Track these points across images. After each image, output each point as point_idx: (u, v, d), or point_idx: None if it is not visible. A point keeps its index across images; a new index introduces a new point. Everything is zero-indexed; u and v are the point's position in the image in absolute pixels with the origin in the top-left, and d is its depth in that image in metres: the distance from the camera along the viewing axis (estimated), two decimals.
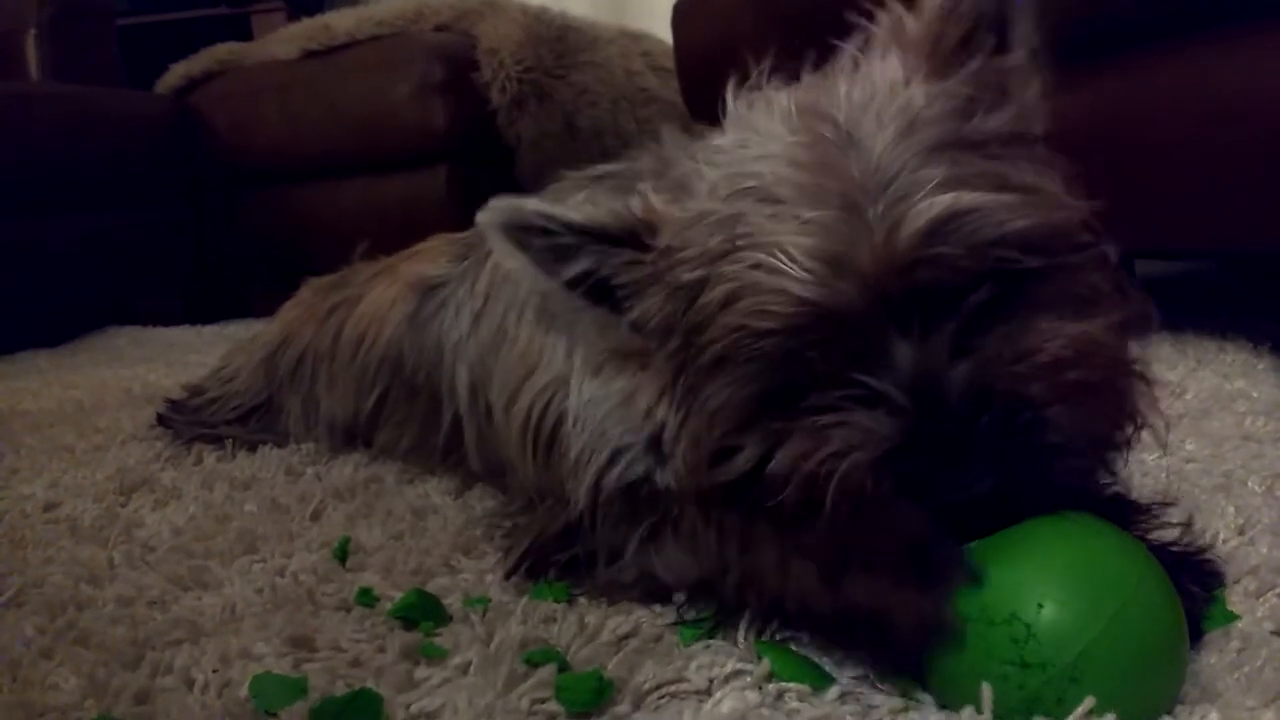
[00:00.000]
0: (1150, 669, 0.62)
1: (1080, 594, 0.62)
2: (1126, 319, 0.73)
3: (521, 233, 0.79)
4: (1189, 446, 1.17)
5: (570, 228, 0.78)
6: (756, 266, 0.69)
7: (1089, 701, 0.59)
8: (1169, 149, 1.64)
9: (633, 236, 0.78)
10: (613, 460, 0.88)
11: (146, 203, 3.28)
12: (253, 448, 1.44)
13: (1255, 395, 1.38)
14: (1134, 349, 0.75)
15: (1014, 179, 0.70)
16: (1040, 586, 0.62)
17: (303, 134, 3.14)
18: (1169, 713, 0.62)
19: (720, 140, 0.79)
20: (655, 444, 0.85)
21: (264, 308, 2.06)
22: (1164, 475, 1.07)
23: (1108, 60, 1.71)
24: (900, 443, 0.65)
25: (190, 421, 1.54)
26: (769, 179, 0.71)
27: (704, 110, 0.91)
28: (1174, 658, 0.64)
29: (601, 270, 0.79)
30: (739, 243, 0.70)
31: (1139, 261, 2.80)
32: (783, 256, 0.68)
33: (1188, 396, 1.40)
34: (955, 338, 0.67)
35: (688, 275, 0.74)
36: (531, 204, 0.79)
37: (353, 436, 1.38)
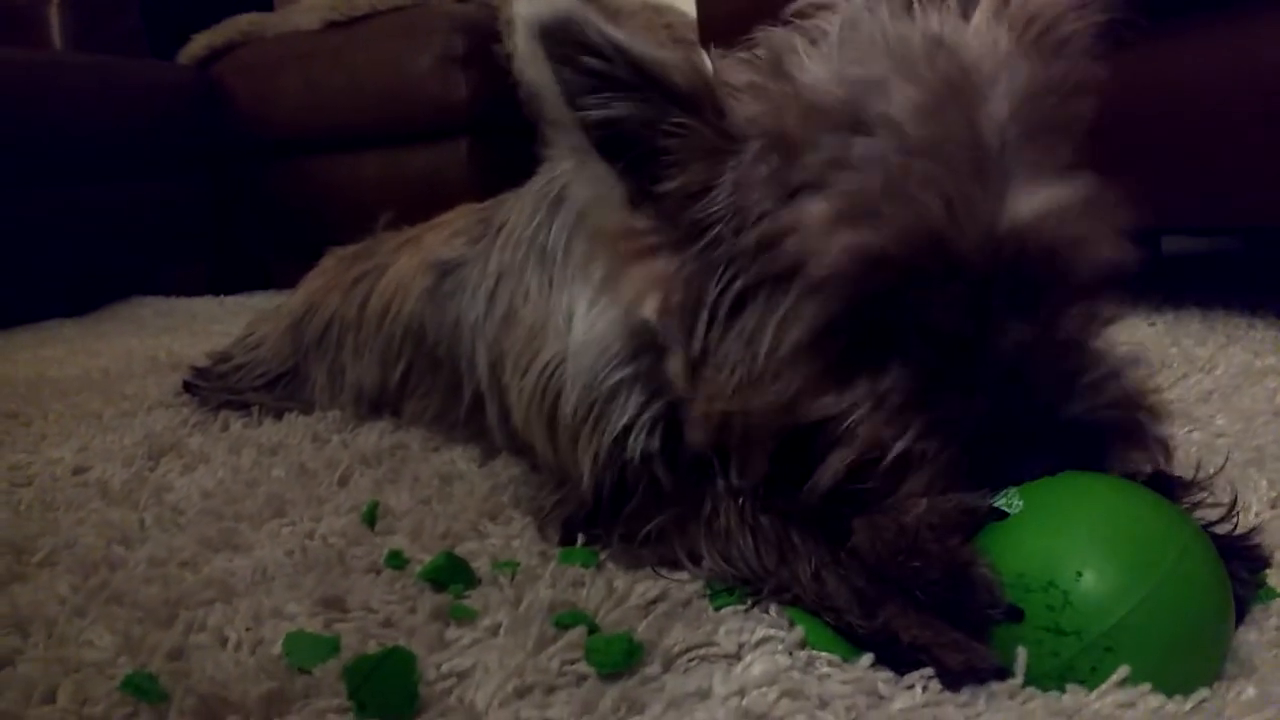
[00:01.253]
0: (1189, 642, 0.61)
1: (1121, 563, 0.61)
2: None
3: (562, 44, 0.67)
4: (1220, 421, 1.16)
5: (633, 61, 0.68)
6: (891, 191, 0.64)
7: (1123, 670, 0.58)
8: (1205, 119, 1.62)
9: (693, 97, 0.69)
10: (606, 416, 0.85)
11: (169, 173, 3.30)
12: (279, 415, 1.45)
13: None
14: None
15: (1087, 175, 0.70)
16: (1080, 554, 0.61)
17: (324, 105, 3.14)
18: (1208, 688, 0.62)
19: (833, 35, 0.71)
20: (645, 379, 0.81)
21: (285, 279, 2.07)
22: (1194, 450, 1.07)
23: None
24: (985, 418, 0.65)
25: (216, 388, 1.56)
26: (899, 100, 0.66)
27: None
28: (1216, 633, 0.63)
29: (640, 122, 0.69)
30: (872, 156, 0.65)
31: (1166, 239, 2.77)
32: (921, 185, 0.64)
33: (1218, 372, 1.39)
34: (1054, 329, 0.68)
35: (796, 172, 0.67)
36: (591, 15, 0.67)
37: (380, 406, 1.39)
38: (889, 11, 0.72)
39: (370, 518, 1.00)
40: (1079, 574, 0.60)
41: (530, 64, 0.69)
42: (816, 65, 0.70)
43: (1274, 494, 0.91)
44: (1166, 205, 1.72)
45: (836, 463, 0.69)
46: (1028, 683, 0.60)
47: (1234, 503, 0.76)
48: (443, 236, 1.32)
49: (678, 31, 3.35)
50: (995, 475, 0.66)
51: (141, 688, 0.66)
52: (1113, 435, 0.67)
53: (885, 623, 0.64)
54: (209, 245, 3.49)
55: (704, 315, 0.72)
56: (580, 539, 0.89)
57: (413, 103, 3.00)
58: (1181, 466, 1.00)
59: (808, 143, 0.67)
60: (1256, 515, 0.87)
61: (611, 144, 0.71)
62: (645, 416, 0.84)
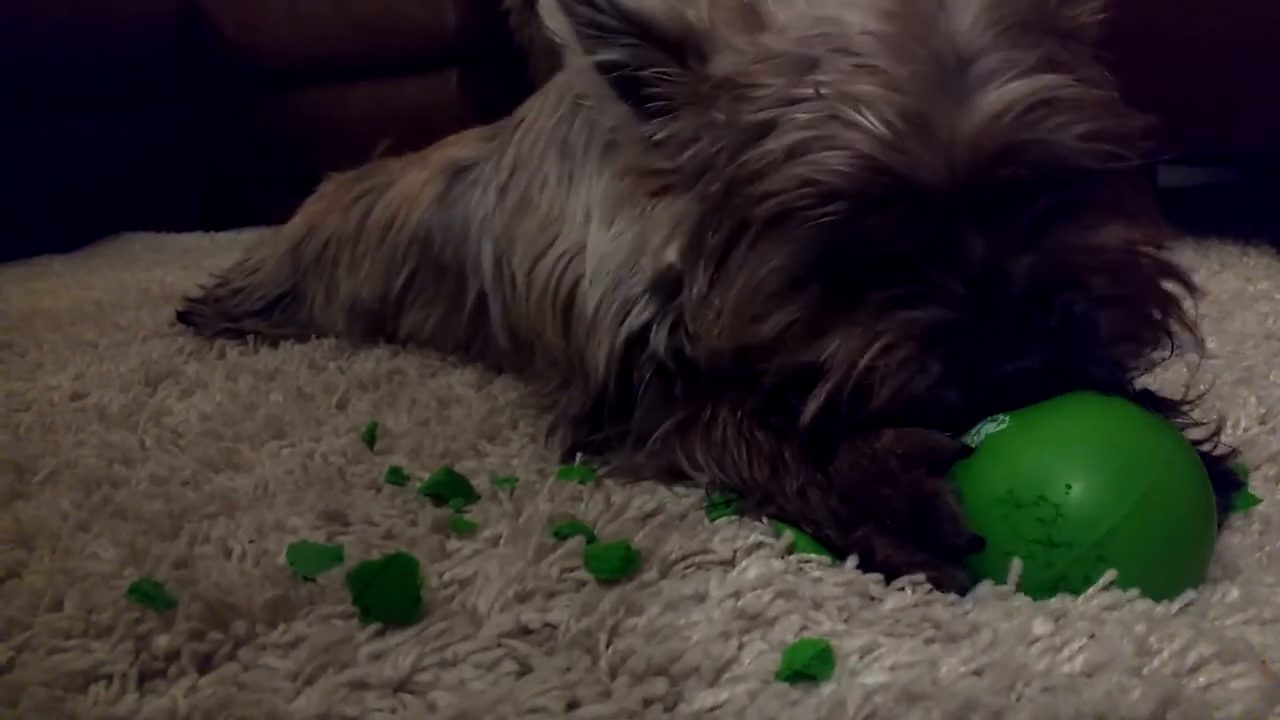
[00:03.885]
0: (1177, 549, 0.63)
1: (1109, 475, 0.62)
2: (1157, 231, 0.73)
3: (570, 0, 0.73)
4: (1211, 344, 1.17)
5: (619, 10, 0.73)
6: (834, 118, 0.65)
7: (1110, 574, 0.60)
8: (1201, 40, 1.60)
9: (679, 46, 0.73)
10: (625, 315, 0.86)
11: (155, 105, 3.24)
12: (275, 343, 1.45)
13: (1278, 296, 1.39)
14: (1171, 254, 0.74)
15: (1088, 74, 0.69)
16: (1069, 468, 0.62)
17: (311, 34, 3.08)
18: (1194, 590, 0.63)
19: None
20: (662, 288, 0.82)
21: (275, 213, 2.05)
22: (1185, 370, 1.08)
23: None
24: (953, 322, 0.65)
25: (213, 314, 1.55)
26: (853, 27, 0.67)
27: None
28: (1201, 538, 0.64)
29: (635, 68, 0.74)
30: (819, 89, 0.66)
31: (1162, 170, 2.76)
32: (865, 111, 0.64)
33: (1210, 298, 1.40)
34: (1028, 233, 0.66)
35: (750, 115, 0.69)
36: None
37: (377, 319, 1.38)
38: None
39: (370, 438, 1.01)
40: (1068, 486, 0.61)
41: (549, 15, 0.75)
42: (784, 9, 0.71)
43: (1263, 410, 0.92)
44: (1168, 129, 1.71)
45: (819, 393, 0.70)
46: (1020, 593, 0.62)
47: (1219, 425, 0.77)
48: (457, 146, 1.30)
49: None
50: (970, 377, 0.66)
51: (148, 594, 0.67)
52: (1093, 331, 0.66)
53: (860, 539, 0.67)
54: (198, 179, 3.45)
55: (701, 260, 0.75)
56: (579, 457, 0.90)
57: (401, 32, 2.95)
58: (1172, 386, 1.02)
59: (761, 84, 0.69)
60: (1245, 430, 0.89)
61: (626, 87, 0.75)
62: (667, 317, 0.85)
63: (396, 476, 0.89)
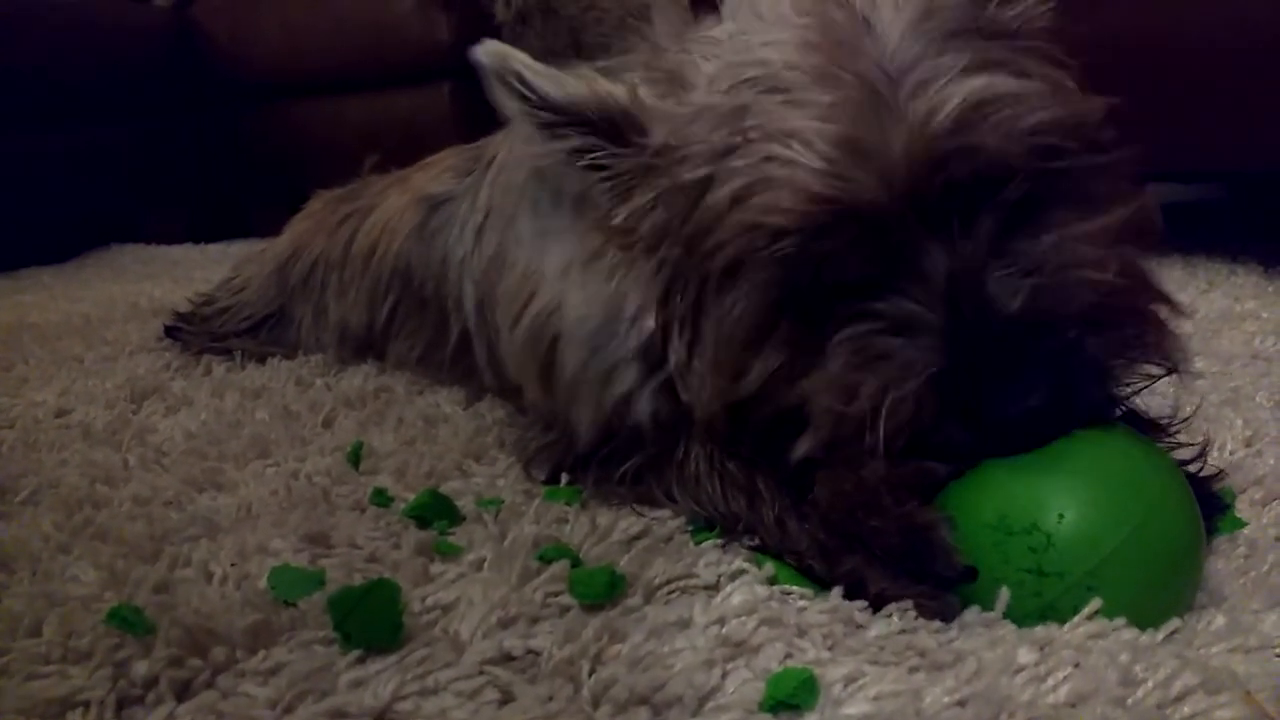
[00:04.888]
0: (1167, 581, 0.62)
1: (1102, 505, 0.61)
2: (1141, 220, 0.71)
3: (509, 86, 0.73)
4: (1198, 364, 1.17)
5: (550, 105, 0.73)
6: (769, 159, 0.64)
7: (1095, 603, 0.59)
8: (1185, 61, 1.61)
9: (614, 126, 0.72)
10: (608, 382, 0.85)
11: (147, 117, 3.24)
12: (262, 359, 1.44)
13: (1265, 316, 1.39)
14: (1156, 271, 0.73)
15: (1034, 70, 0.67)
16: (1062, 496, 0.61)
17: (304, 47, 3.08)
18: (1179, 619, 0.63)
19: (716, 30, 0.73)
20: (646, 355, 0.81)
21: (266, 225, 2.05)
22: (1172, 390, 1.07)
23: None
24: (945, 367, 0.62)
25: (200, 332, 1.55)
26: (777, 65, 0.66)
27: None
28: (1191, 569, 0.64)
29: (580, 151, 0.74)
30: (750, 135, 0.65)
31: (1151, 187, 2.77)
32: (798, 146, 0.63)
33: (1198, 316, 1.40)
34: (991, 240, 0.64)
35: (689, 174, 0.68)
36: (516, 65, 0.73)
37: (365, 346, 1.38)
38: None
39: (355, 457, 1.00)
40: (1061, 516, 0.61)
41: (504, 103, 0.74)
42: (709, 62, 0.71)
43: (1249, 433, 0.92)
44: (1152, 150, 1.72)
45: (807, 442, 0.69)
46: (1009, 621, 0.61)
47: (1205, 447, 0.76)
48: (432, 174, 1.30)
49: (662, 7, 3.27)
50: (972, 416, 0.63)
51: (127, 620, 0.66)
52: (1086, 355, 0.64)
53: (850, 571, 0.66)
54: (188, 192, 3.44)
55: (675, 326, 0.74)
56: (565, 478, 0.90)
57: (394, 45, 2.95)
58: (1159, 406, 1.02)
59: (697, 142, 0.68)
60: (1232, 453, 0.89)
61: (586, 167, 0.75)
62: (647, 387, 0.84)
63: (381, 498, 0.89)
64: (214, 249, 3.07)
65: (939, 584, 0.63)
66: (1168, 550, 0.62)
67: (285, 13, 3.10)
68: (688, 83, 0.71)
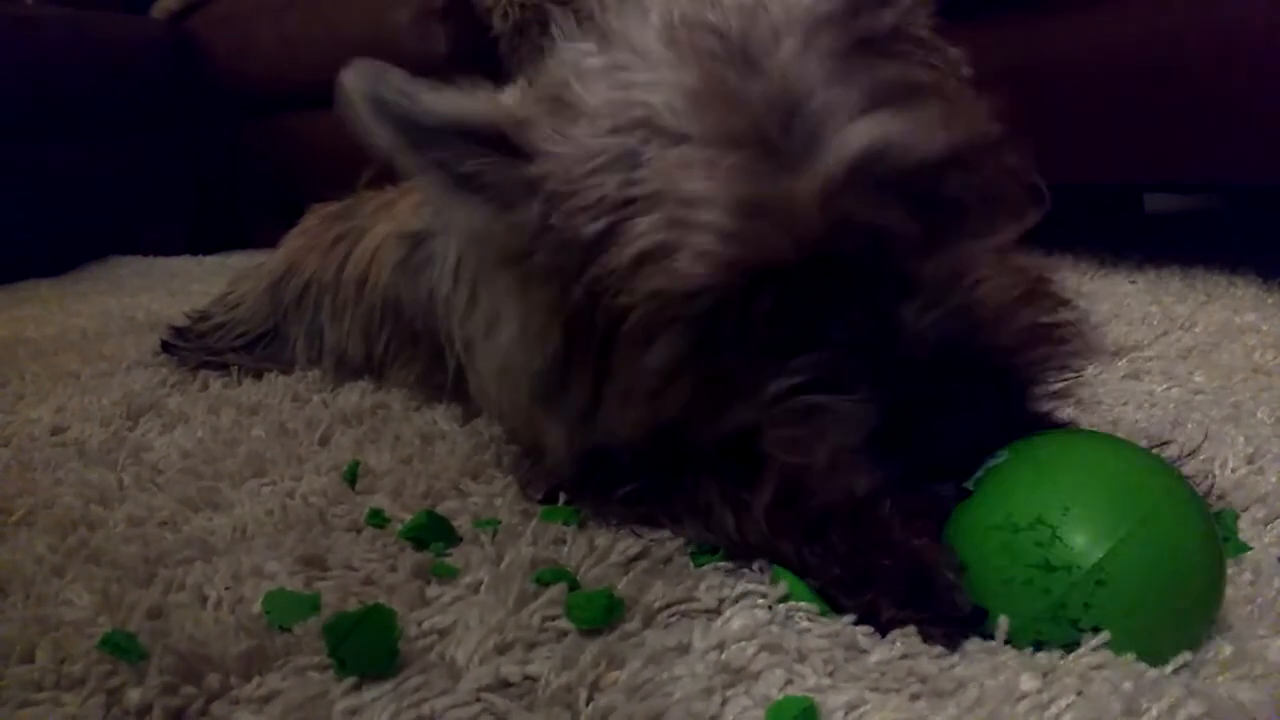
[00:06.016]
0: (1181, 575, 0.61)
1: (1107, 498, 0.61)
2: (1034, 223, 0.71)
3: (382, 110, 0.71)
4: (1198, 378, 1.17)
5: (429, 113, 0.70)
6: (671, 223, 0.63)
7: (1103, 636, 0.58)
8: (1182, 71, 1.61)
9: (499, 138, 0.70)
10: (555, 397, 0.83)
11: (144, 130, 3.24)
12: (258, 375, 1.44)
13: (1265, 329, 1.38)
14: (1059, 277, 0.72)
15: (918, 80, 0.66)
16: (1065, 491, 0.61)
17: (301, 59, 3.08)
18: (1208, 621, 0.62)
19: (593, 59, 0.71)
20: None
21: (265, 238, 2.05)
22: (1172, 406, 1.07)
23: None
24: (881, 423, 0.63)
25: (195, 348, 1.54)
26: (662, 111, 0.64)
27: None
28: (1206, 569, 0.62)
29: (461, 167, 0.71)
30: (644, 189, 0.64)
31: (1149, 196, 2.77)
32: (699, 210, 0.62)
33: (1197, 330, 1.40)
34: (900, 278, 0.64)
35: (586, 228, 0.66)
36: (394, 76, 0.71)
37: (363, 372, 1.38)
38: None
39: (351, 477, 1.00)
40: (1066, 508, 0.60)
41: (370, 133, 0.72)
42: (592, 93, 0.69)
43: (1250, 450, 0.91)
44: (1148, 161, 1.72)
45: (765, 493, 0.69)
46: (1020, 626, 0.60)
47: (1209, 479, 0.75)
48: (413, 202, 1.30)
49: None
50: (923, 447, 0.64)
51: (121, 646, 0.65)
52: (1014, 387, 0.65)
53: (867, 604, 0.65)
54: (186, 204, 3.44)
55: (579, 370, 0.74)
56: (562, 498, 0.89)
57: (391, 57, 2.91)
58: (1159, 422, 1.02)
59: (589, 188, 0.67)
60: (1233, 471, 0.88)
61: (463, 184, 0.72)
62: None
63: (377, 519, 0.88)
64: (212, 261, 3.07)
65: (949, 623, 0.62)
66: (1179, 543, 0.61)
67: (282, 25, 3.10)
68: (572, 113, 0.69)
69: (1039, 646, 0.60)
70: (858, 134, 0.61)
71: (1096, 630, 0.58)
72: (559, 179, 0.68)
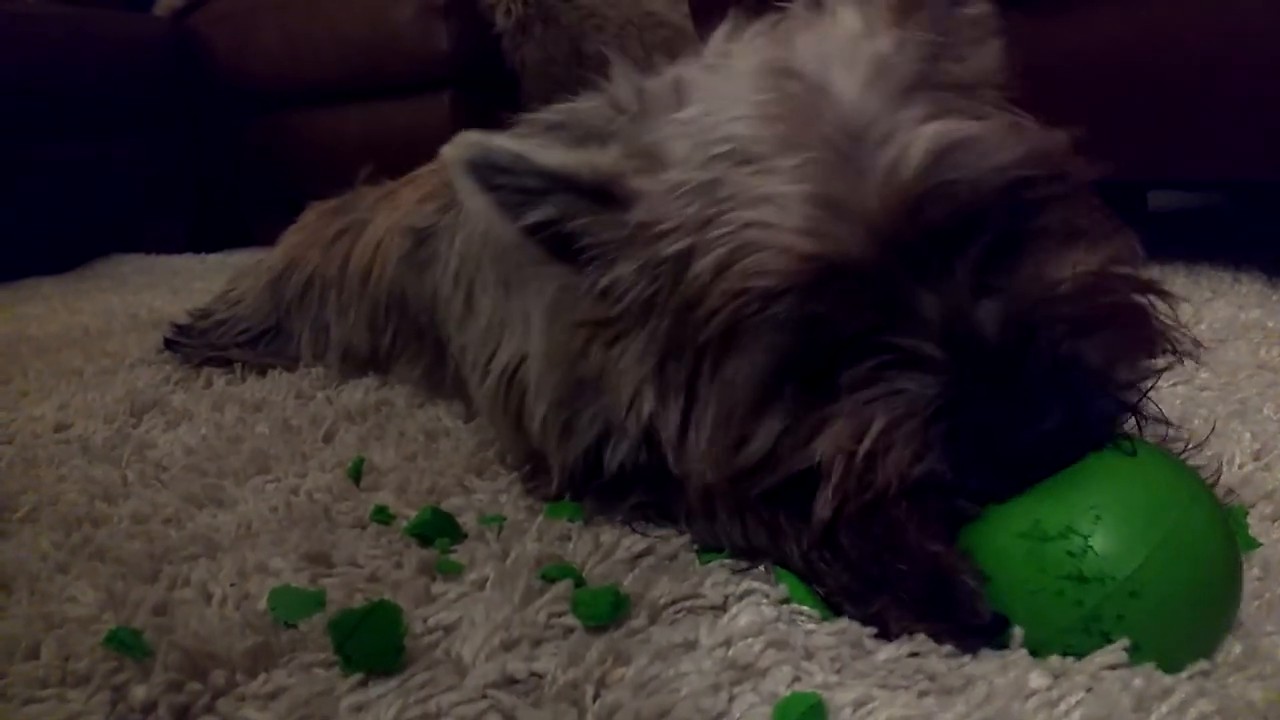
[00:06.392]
0: (1210, 584, 0.60)
1: (1136, 507, 0.60)
2: (1123, 249, 0.71)
3: (488, 172, 0.73)
4: (1203, 375, 1.17)
5: (540, 172, 0.72)
6: (748, 225, 0.64)
7: (1122, 642, 0.57)
8: (1187, 68, 1.60)
9: (605, 192, 0.72)
10: (570, 432, 0.86)
11: (146, 128, 3.24)
12: (262, 371, 1.44)
13: (1270, 325, 1.38)
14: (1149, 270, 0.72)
15: (992, 114, 0.68)
16: (1095, 499, 0.59)
17: (303, 57, 3.08)
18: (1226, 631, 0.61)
19: (685, 113, 0.73)
20: (607, 414, 0.81)
21: (267, 235, 2.04)
22: (1179, 402, 1.07)
23: None
24: (947, 395, 0.62)
25: (198, 345, 1.54)
26: (743, 139, 0.67)
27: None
28: (1232, 575, 0.61)
29: (566, 223, 0.73)
30: (724, 205, 0.66)
31: (1152, 194, 2.77)
32: (774, 208, 0.64)
33: (1202, 326, 1.40)
34: (975, 276, 0.64)
35: (670, 249, 0.68)
36: (499, 141, 0.73)
37: (368, 366, 1.38)
38: (731, 55, 0.76)
39: (356, 473, 0.99)
40: (1098, 517, 0.59)
41: (470, 198, 0.74)
42: (677, 142, 0.71)
43: (1257, 446, 0.91)
44: (1154, 157, 1.71)
45: (825, 497, 0.67)
46: (1048, 638, 0.59)
47: (1217, 468, 0.74)
48: (417, 196, 1.30)
49: (661, 17, 3.25)
50: (983, 451, 0.62)
51: (125, 643, 0.65)
52: (1084, 363, 0.63)
53: (877, 614, 0.64)
54: (188, 201, 3.44)
55: (670, 396, 0.73)
56: (566, 495, 0.89)
57: (393, 54, 2.94)
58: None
59: (675, 217, 0.69)
60: (1240, 467, 0.88)
61: (559, 244, 0.74)
62: (618, 446, 0.83)
63: (382, 515, 0.88)
64: (214, 259, 3.07)
65: (968, 632, 0.61)
66: (1208, 551, 0.60)
67: (284, 22, 3.10)
68: (663, 161, 0.72)
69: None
70: (927, 135, 0.63)
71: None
72: (647, 217, 0.70)
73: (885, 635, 0.63)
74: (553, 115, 0.94)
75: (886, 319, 0.64)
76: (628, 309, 0.73)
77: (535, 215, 0.73)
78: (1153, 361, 0.69)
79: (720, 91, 0.72)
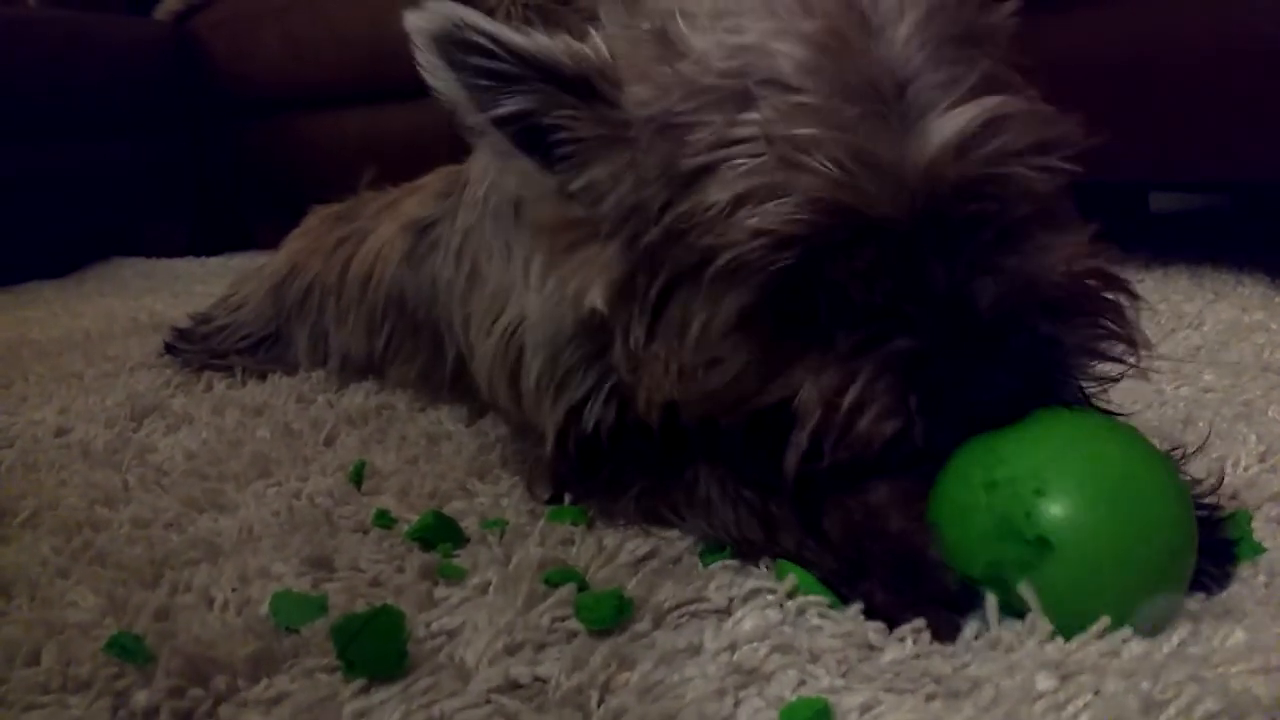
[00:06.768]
0: (1129, 496, 0.61)
1: (1053, 424, 0.64)
2: (1098, 241, 0.72)
3: (457, 48, 0.67)
4: (1207, 377, 1.16)
5: (517, 54, 0.67)
6: (782, 164, 0.62)
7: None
8: (1190, 69, 1.60)
9: (587, 84, 0.68)
10: (564, 385, 0.84)
11: (147, 132, 3.24)
12: (262, 376, 1.43)
13: (1274, 327, 1.37)
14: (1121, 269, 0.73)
15: (1011, 79, 0.68)
16: (1020, 428, 0.63)
17: (304, 60, 3.08)
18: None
19: (691, 4, 0.69)
20: (598, 361, 0.80)
21: (268, 239, 2.05)
22: (1183, 405, 1.07)
23: None
24: (926, 351, 0.64)
25: (199, 350, 1.54)
26: (781, 57, 0.64)
27: None
28: (1168, 539, 0.62)
29: (540, 115, 0.68)
30: (753, 130, 0.63)
31: (1154, 195, 2.76)
32: (815, 155, 0.61)
33: (1205, 328, 1.39)
34: (984, 258, 0.65)
35: (686, 160, 0.65)
36: (473, 16, 0.67)
37: (365, 372, 1.37)
38: None
39: (357, 477, 0.99)
40: (1020, 438, 0.63)
41: (433, 75, 0.68)
42: (699, 35, 0.67)
43: (1262, 448, 0.91)
44: (1155, 158, 1.71)
45: (797, 442, 0.67)
46: (973, 551, 0.62)
47: (1219, 477, 0.76)
48: (418, 199, 1.30)
49: None
50: (948, 404, 0.64)
51: (127, 648, 0.65)
52: (1059, 348, 0.66)
53: (864, 592, 0.65)
54: (189, 205, 3.44)
55: (636, 307, 0.71)
56: (568, 497, 0.89)
57: (394, 58, 2.93)
58: (1170, 421, 1.01)
59: (694, 124, 0.65)
60: (1245, 469, 0.87)
61: (528, 138, 0.70)
62: (601, 390, 0.83)
63: (384, 519, 0.88)
64: (215, 262, 3.07)
65: (943, 602, 0.63)
66: (1124, 468, 0.62)
67: (285, 26, 3.10)
68: (676, 51, 0.66)
69: (998, 579, 0.61)
70: (968, 112, 0.63)
71: (1043, 543, 0.59)
72: (659, 110, 0.66)
73: (874, 610, 0.64)
74: None
75: (895, 279, 0.64)
76: (602, 213, 0.70)
77: (508, 105, 0.68)
78: (1115, 355, 0.70)
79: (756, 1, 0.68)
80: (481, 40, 0.67)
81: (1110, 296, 0.70)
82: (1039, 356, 0.64)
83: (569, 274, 0.74)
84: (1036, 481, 0.60)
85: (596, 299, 0.72)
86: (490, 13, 2.68)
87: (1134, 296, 0.71)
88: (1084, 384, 0.70)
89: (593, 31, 0.70)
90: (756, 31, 0.66)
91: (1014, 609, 0.61)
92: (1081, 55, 1.77)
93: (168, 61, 3.25)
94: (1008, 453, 0.63)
